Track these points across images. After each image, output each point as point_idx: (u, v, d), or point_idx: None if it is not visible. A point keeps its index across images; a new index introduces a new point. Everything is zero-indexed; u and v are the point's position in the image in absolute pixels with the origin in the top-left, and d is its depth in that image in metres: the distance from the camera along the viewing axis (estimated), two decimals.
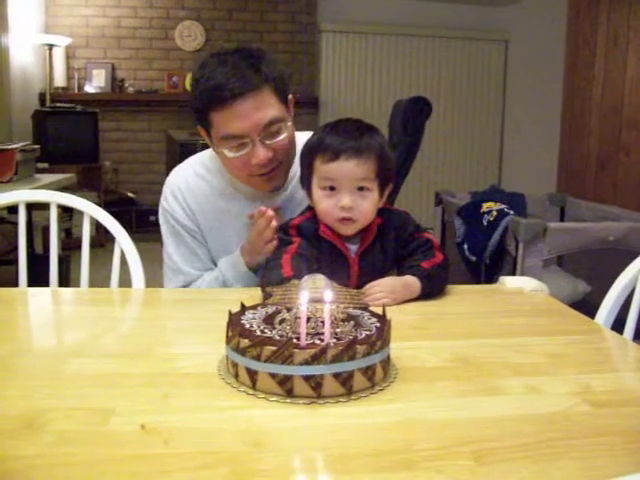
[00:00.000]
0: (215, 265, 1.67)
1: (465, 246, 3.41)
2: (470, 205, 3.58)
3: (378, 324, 0.99)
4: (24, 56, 5.69)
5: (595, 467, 0.74)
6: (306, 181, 1.46)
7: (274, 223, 1.50)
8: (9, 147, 3.39)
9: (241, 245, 1.60)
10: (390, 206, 1.52)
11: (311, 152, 1.43)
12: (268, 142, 1.49)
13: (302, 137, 1.60)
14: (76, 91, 6.35)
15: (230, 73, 1.45)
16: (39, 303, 1.47)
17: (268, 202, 1.60)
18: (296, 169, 1.61)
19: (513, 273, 2.93)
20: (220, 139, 1.50)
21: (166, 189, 1.68)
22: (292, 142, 1.58)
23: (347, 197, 1.38)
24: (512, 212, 3.21)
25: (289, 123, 1.54)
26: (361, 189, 1.40)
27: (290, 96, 1.58)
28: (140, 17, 6.48)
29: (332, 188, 1.40)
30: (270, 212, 1.50)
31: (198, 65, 1.53)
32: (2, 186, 3.16)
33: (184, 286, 1.65)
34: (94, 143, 5.85)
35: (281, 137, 1.51)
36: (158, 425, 0.80)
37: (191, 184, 1.66)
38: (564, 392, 0.94)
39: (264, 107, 1.46)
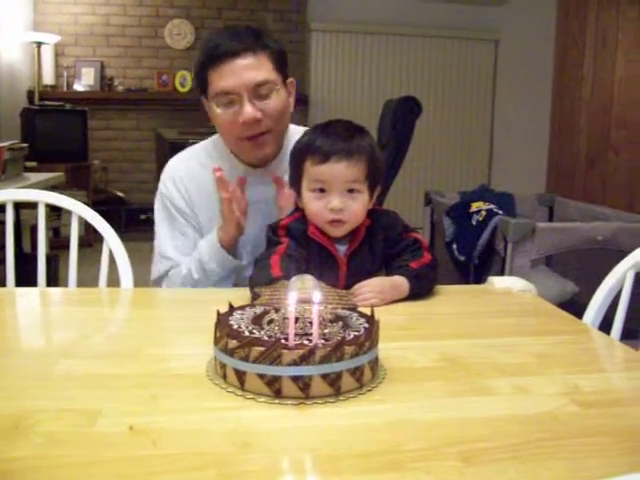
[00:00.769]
0: None
1: (454, 246, 3.41)
2: (459, 205, 3.59)
3: (366, 325, 1.00)
4: (12, 54, 5.65)
5: (584, 468, 0.74)
6: (296, 182, 1.46)
7: (236, 195, 1.53)
8: None
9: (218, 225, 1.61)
10: (379, 206, 1.52)
11: (301, 153, 1.43)
12: (257, 102, 1.53)
13: (299, 128, 1.68)
14: (65, 89, 6.31)
15: (230, 35, 1.55)
16: (27, 303, 1.47)
17: (260, 185, 1.62)
18: (290, 145, 1.62)
19: (502, 273, 2.93)
20: (213, 95, 1.55)
21: (165, 176, 1.72)
22: (283, 111, 1.60)
23: (337, 199, 1.38)
24: (501, 212, 3.21)
25: (281, 91, 1.58)
26: (351, 191, 1.40)
27: (291, 79, 1.65)
28: (129, 15, 6.45)
29: (322, 190, 1.40)
30: (229, 189, 1.52)
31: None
32: None
33: (168, 270, 1.66)
34: (83, 142, 5.82)
35: (270, 100, 1.55)
36: (146, 426, 0.80)
37: (192, 171, 1.70)
38: (552, 392, 0.94)
39: (257, 68, 1.53)
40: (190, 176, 1.69)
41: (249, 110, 1.52)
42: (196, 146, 1.77)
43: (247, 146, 1.60)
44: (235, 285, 1.63)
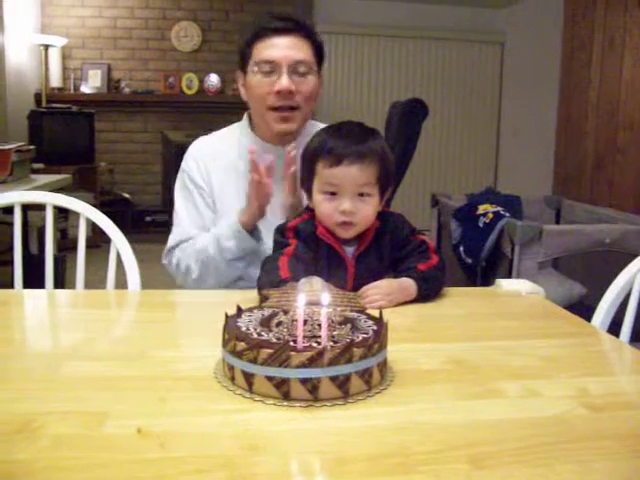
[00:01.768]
0: None
1: (461, 248, 3.41)
2: (466, 207, 3.58)
3: (375, 327, 0.99)
4: (20, 56, 5.67)
5: (592, 471, 0.74)
6: (306, 183, 1.46)
7: (264, 179, 1.52)
8: (5, 147, 3.37)
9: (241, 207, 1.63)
10: (387, 209, 1.52)
11: (313, 155, 1.42)
12: (295, 78, 1.64)
13: (318, 124, 1.78)
14: (72, 91, 6.33)
15: (282, 18, 1.68)
16: (35, 305, 1.47)
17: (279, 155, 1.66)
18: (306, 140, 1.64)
19: (509, 275, 2.93)
20: (255, 63, 1.66)
21: (189, 152, 1.80)
22: (314, 94, 1.70)
23: (348, 202, 1.38)
24: (508, 214, 3.21)
25: (316, 75, 1.69)
26: (362, 194, 1.40)
27: (321, 73, 1.73)
28: (136, 17, 6.46)
29: (333, 192, 1.40)
30: (259, 159, 1.53)
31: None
32: None
33: (179, 240, 1.71)
34: (90, 144, 5.84)
35: (306, 79, 1.66)
36: (154, 429, 0.80)
37: (215, 150, 1.78)
38: (561, 395, 0.94)
39: (299, 48, 1.66)
40: (211, 155, 1.76)
41: (286, 80, 1.62)
42: (223, 129, 1.86)
43: (274, 117, 1.67)
44: (246, 267, 1.64)
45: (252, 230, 1.60)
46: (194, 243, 1.67)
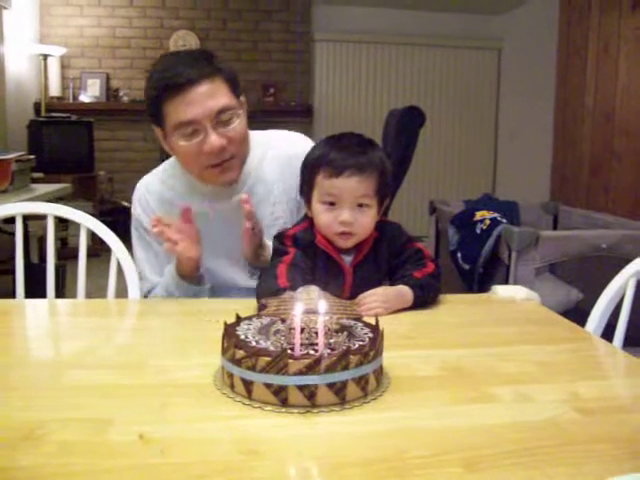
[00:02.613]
0: None
1: (459, 254, 3.43)
2: (463, 214, 3.60)
3: (371, 334, 1.01)
4: (19, 66, 5.70)
5: (584, 473, 0.76)
6: (306, 193, 1.48)
7: (172, 235, 1.48)
8: (5, 157, 3.39)
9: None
10: (384, 218, 1.54)
11: (314, 166, 1.45)
12: (221, 130, 1.52)
13: (257, 136, 1.69)
14: (71, 101, 6.37)
15: (184, 63, 1.50)
16: (36, 315, 1.49)
17: (227, 201, 1.64)
18: (253, 164, 1.66)
19: (506, 281, 2.95)
20: (173, 127, 1.52)
21: (134, 198, 1.73)
22: (245, 135, 1.61)
23: (347, 213, 1.40)
24: (505, 221, 3.23)
25: (241, 113, 1.57)
26: (361, 205, 1.42)
27: (242, 98, 1.61)
28: (135, 27, 6.50)
29: (332, 203, 1.42)
30: (158, 220, 1.47)
31: (154, 63, 1.60)
32: None
33: (150, 290, 1.69)
34: (89, 152, 5.86)
35: (233, 125, 1.54)
36: (156, 435, 0.82)
37: (156, 190, 1.70)
38: (553, 400, 0.96)
39: (216, 94, 1.50)
40: (154, 196, 1.69)
41: (215, 139, 1.50)
42: (160, 166, 1.76)
43: (213, 173, 1.58)
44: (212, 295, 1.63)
45: (196, 272, 1.58)
46: (156, 293, 1.66)
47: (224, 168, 1.58)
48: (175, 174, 1.70)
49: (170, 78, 1.48)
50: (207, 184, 1.64)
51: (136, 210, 1.72)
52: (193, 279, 1.59)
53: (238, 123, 1.55)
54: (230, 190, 1.65)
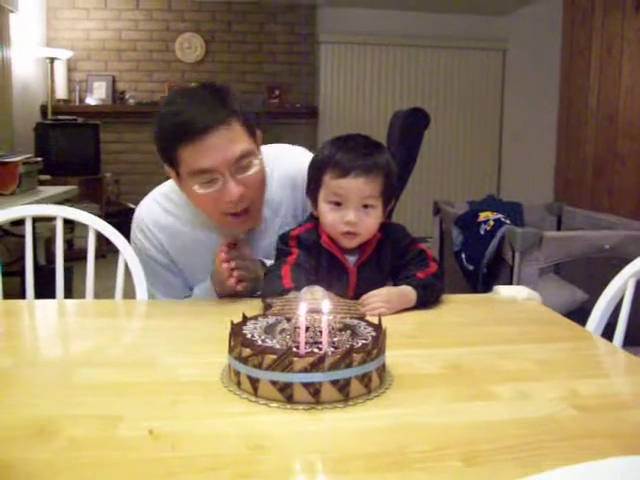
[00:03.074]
0: (191, 290, 1.68)
1: (463, 255, 3.45)
2: (467, 214, 3.62)
3: (374, 333, 1.04)
4: (26, 69, 5.74)
5: None
6: (312, 192, 1.51)
7: (231, 264, 1.48)
8: (12, 160, 3.43)
9: (211, 274, 1.58)
10: (388, 219, 1.57)
11: (321, 166, 1.48)
12: (239, 176, 1.45)
13: (268, 151, 1.61)
14: (77, 103, 6.41)
15: (199, 107, 1.43)
16: (46, 315, 1.52)
17: (237, 232, 1.59)
18: (269, 200, 1.63)
19: (510, 282, 2.96)
20: (190, 175, 1.45)
21: (134, 225, 1.67)
22: (263, 177, 1.55)
23: (352, 213, 1.43)
24: (509, 221, 3.25)
25: (259, 157, 1.51)
26: (366, 206, 1.45)
27: (258, 132, 1.55)
28: (141, 30, 6.54)
29: (338, 203, 1.45)
30: (223, 254, 1.48)
31: (164, 101, 1.52)
32: (5, 198, 3.20)
33: None
34: (95, 155, 5.89)
35: (252, 171, 1.47)
36: (165, 430, 0.84)
37: (159, 219, 1.65)
38: (552, 397, 0.98)
39: (234, 140, 1.43)
40: (157, 224, 1.65)
41: (234, 187, 1.44)
42: (159, 190, 1.71)
43: (231, 221, 1.53)
44: None
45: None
46: None
47: (243, 220, 1.53)
48: (179, 202, 1.65)
49: (185, 124, 1.40)
50: (226, 229, 1.58)
51: (139, 239, 1.67)
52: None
53: (256, 166, 1.48)
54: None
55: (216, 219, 1.55)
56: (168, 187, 1.68)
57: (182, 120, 1.41)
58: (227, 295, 1.55)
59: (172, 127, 1.43)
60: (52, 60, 6.00)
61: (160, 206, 1.67)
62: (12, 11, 5.22)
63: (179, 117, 1.42)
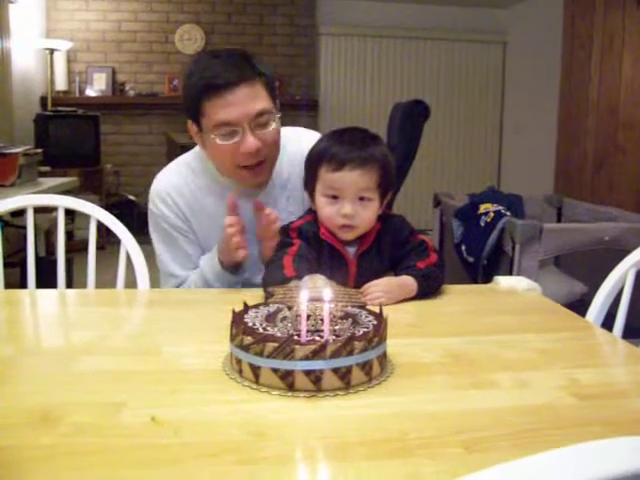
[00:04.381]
0: None
1: (463, 247, 3.45)
2: (468, 207, 3.63)
3: (375, 322, 1.04)
4: (26, 60, 5.73)
5: None
6: (309, 186, 1.52)
7: (238, 238, 1.52)
8: (12, 151, 3.43)
9: (217, 244, 1.62)
10: (388, 210, 1.57)
11: (317, 160, 1.48)
12: (258, 132, 1.54)
13: (289, 132, 1.71)
14: (77, 95, 6.40)
15: (226, 65, 1.52)
16: (48, 304, 1.52)
17: (247, 201, 1.63)
18: (278, 172, 1.68)
19: (510, 273, 2.97)
20: (212, 127, 1.54)
21: (153, 195, 1.71)
22: (278, 138, 1.63)
23: (349, 206, 1.43)
24: (509, 214, 3.26)
25: (277, 119, 1.59)
26: (362, 198, 1.45)
27: (278, 101, 1.62)
28: (140, 21, 6.53)
29: (335, 196, 1.45)
30: (232, 219, 1.52)
31: (193, 60, 1.62)
32: (5, 190, 3.20)
33: (178, 286, 1.69)
34: (95, 146, 5.89)
35: (270, 129, 1.56)
36: (168, 417, 0.85)
37: (178, 185, 1.69)
38: (552, 385, 0.99)
39: (256, 97, 1.53)
40: (177, 191, 1.68)
41: (251, 140, 1.53)
42: (178, 160, 1.76)
43: (245, 174, 1.60)
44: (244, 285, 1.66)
45: (237, 264, 1.61)
46: (188, 285, 1.68)
47: (256, 171, 1.60)
48: (197, 169, 1.71)
49: (211, 78, 1.50)
50: (237, 184, 1.64)
51: (158, 207, 1.69)
52: (234, 270, 1.61)
53: (273, 126, 1.57)
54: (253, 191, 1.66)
55: (231, 172, 1.62)
56: (188, 156, 1.75)
57: (208, 75, 1.52)
58: (230, 265, 1.59)
59: (199, 81, 1.53)
60: (52, 51, 5.99)
61: (180, 173, 1.72)
62: (11, 2, 5.21)
63: (206, 72, 1.53)
